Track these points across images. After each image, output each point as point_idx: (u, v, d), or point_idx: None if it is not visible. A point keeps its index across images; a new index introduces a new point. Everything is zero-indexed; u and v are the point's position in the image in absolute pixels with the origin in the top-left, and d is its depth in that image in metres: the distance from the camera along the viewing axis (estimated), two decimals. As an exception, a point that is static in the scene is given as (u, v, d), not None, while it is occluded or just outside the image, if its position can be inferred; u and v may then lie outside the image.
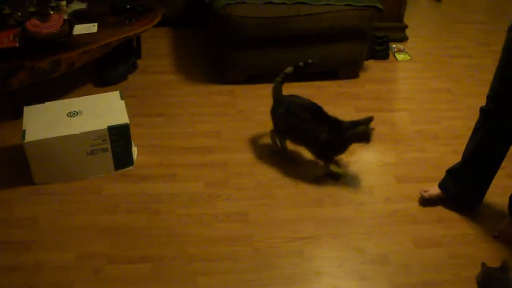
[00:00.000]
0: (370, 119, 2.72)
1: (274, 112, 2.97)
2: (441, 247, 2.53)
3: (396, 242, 2.54)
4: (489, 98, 2.44)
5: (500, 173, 2.90)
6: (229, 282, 2.31)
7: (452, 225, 2.65)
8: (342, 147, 2.83)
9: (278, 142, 3.06)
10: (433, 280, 2.36)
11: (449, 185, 2.72)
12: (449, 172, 2.72)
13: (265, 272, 2.36)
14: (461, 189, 2.69)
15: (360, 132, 2.73)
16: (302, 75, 3.75)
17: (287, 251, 2.46)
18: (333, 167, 2.95)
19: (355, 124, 2.74)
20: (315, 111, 2.86)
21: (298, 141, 2.94)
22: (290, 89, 3.63)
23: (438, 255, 2.48)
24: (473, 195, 2.74)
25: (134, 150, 2.96)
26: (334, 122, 2.81)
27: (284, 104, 2.90)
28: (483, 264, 2.21)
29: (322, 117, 2.83)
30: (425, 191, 2.78)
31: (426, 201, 2.77)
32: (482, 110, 2.49)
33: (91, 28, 3.40)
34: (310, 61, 2.98)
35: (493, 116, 2.45)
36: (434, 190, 2.77)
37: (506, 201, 2.71)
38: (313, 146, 2.88)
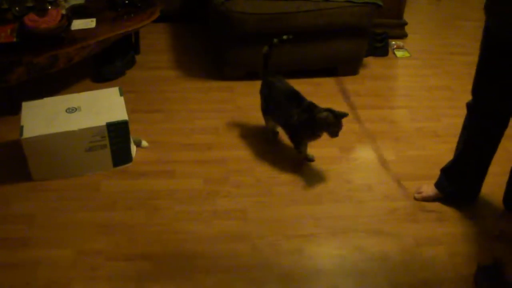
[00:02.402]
0: (343, 115, 2.70)
1: (260, 92, 3.07)
2: (441, 245, 2.52)
3: (396, 240, 2.53)
4: (472, 93, 2.45)
5: (499, 171, 2.90)
6: (227, 279, 2.30)
7: (452, 224, 2.64)
8: (311, 130, 2.79)
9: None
10: (432, 278, 2.35)
11: (444, 183, 2.72)
12: (443, 170, 2.72)
13: (264, 270, 2.34)
14: (456, 186, 2.69)
15: (323, 117, 2.68)
16: (301, 71, 3.74)
17: (286, 249, 2.45)
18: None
19: (326, 110, 2.71)
20: (292, 95, 2.91)
21: (277, 122, 3.02)
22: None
23: (438, 253, 2.47)
24: (467, 191, 2.74)
25: (133, 147, 2.94)
26: (308, 106, 2.83)
27: (268, 85, 3.00)
28: (478, 265, 2.21)
29: (297, 101, 2.87)
30: (419, 193, 2.78)
31: (424, 200, 2.77)
32: (468, 106, 2.49)
33: (89, 23, 3.38)
34: (285, 37, 3.00)
35: (477, 111, 2.46)
36: (429, 190, 2.76)
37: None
38: (287, 129, 2.94)
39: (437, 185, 2.74)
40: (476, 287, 2.24)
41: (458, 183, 2.68)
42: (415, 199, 2.76)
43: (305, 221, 2.61)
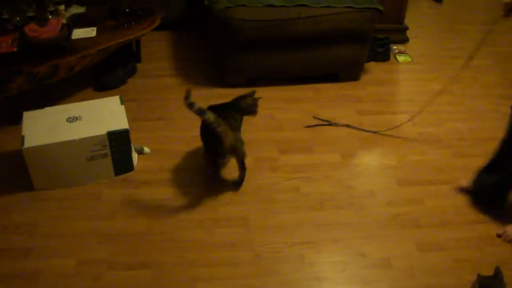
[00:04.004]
0: (253, 92, 2.95)
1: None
2: (444, 251, 2.50)
3: (398, 246, 2.52)
4: None
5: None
6: (229, 287, 2.29)
7: (455, 229, 2.63)
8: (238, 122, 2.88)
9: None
10: (436, 284, 2.34)
11: (478, 179, 2.74)
12: (482, 168, 2.74)
13: (266, 278, 2.34)
14: (488, 184, 2.70)
15: (249, 102, 2.91)
16: (302, 77, 3.74)
17: (288, 256, 2.44)
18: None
19: (241, 97, 2.93)
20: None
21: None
22: (290, 92, 3.64)
23: (441, 259, 2.46)
24: (498, 192, 2.72)
25: (135, 155, 2.94)
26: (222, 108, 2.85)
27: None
28: (478, 275, 2.19)
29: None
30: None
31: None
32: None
33: (90, 32, 3.39)
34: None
35: None
36: (465, 181, 2.82)
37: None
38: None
39: (474, 180, 2.78)
40: None
41: (491, 180, 2.69)
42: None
43: (307, 228, 2.60)
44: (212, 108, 2.81)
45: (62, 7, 3.52)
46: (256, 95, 2.95)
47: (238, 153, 2.74)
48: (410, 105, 3.61)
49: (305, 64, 3.68)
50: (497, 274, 2.15)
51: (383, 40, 4.11)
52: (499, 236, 2.60)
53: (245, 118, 2.94)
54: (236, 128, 2.80)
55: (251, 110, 2.94)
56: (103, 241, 2.49)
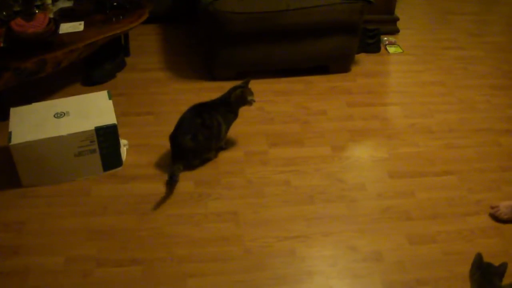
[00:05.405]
0: (246, 82, 2.97)
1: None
2: (436, 243, 2.50)
3: (389, 239, 2.51)
4: None
5: (493, 166, 2.89)
6: (220, 283, 2.28)
7: (446, 221, 2.62)
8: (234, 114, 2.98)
9: None
10: (427, 277, 2.34)
11: None
12: None
13: (257, 273, 2.32)
14: None
15: (238, 94, 2.91)
16: (292, 70, 3.72)
17: (279, 251, 2.43)
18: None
19: (232, 89, 2.95)
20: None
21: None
22: (280, 84, 3.62)
23: (432, 251, 2.46)
24: None
25: (123, 150, 2.92)
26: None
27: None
28: (479, 254, 2.16)
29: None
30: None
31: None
32: None
33: (78, 26, 3.35)
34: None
35: None
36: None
37: (499, 195, 2.70)
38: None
39: None
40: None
41: None
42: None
43: (297, 222, 2.59)
44: (199, 106, 2.91)
45: (49, 1, 3.48)
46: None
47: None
48: (401, 97, 3.60)
49: (295, 56, 3.66)
50: (500, 267, 2.12)
51: (373, 31, 4.09)
52: (492, 208, 2.62)
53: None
54: (213, 135, 2.86)
55: (243, 101, 2.94)
56: (92, 237, 2.47)
